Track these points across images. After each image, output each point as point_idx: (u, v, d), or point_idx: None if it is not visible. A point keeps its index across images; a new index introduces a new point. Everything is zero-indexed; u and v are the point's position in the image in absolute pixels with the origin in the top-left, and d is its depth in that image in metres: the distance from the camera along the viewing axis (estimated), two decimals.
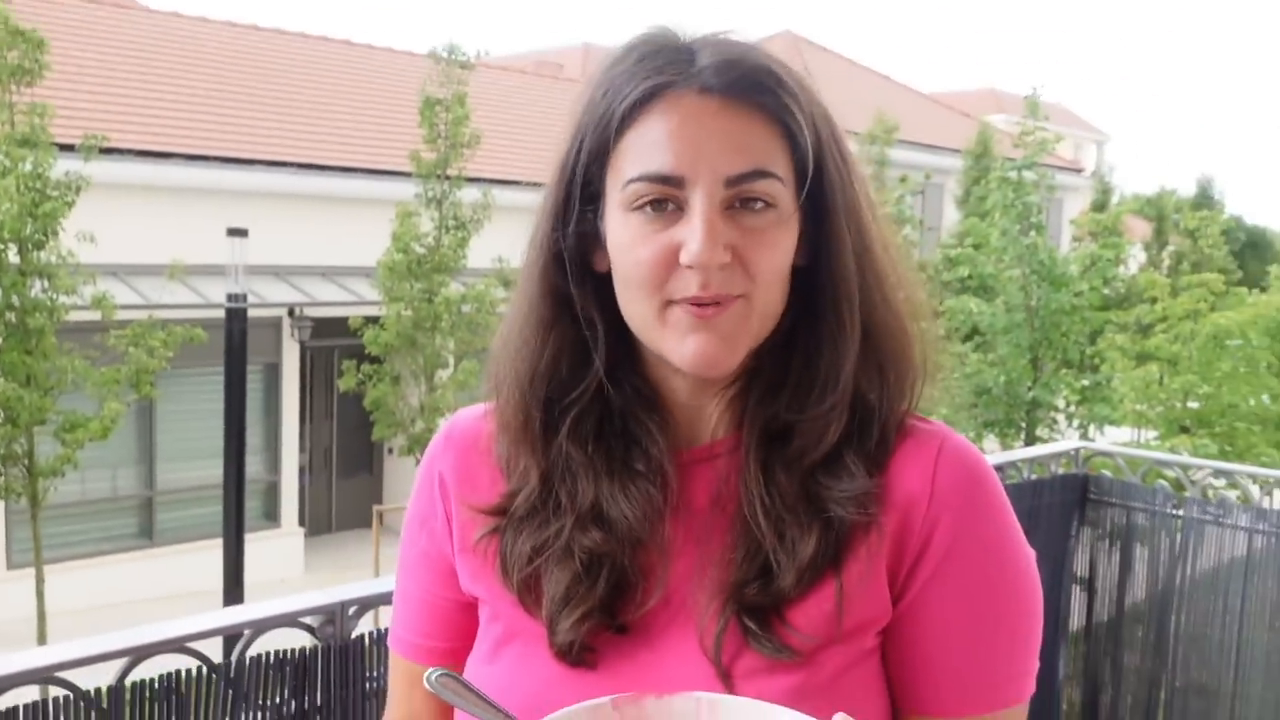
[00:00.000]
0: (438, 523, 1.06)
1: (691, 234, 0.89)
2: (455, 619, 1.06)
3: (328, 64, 16.30)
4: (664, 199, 0.91)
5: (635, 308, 0.94)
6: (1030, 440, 12.55)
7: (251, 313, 10.17)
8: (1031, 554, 0.99)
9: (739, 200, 0.91)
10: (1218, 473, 3.63)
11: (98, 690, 1.60)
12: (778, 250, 0.92)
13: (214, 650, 1.74)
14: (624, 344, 0.98)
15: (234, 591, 9.36)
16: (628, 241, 0.93)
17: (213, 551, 10.30)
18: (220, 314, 9.68)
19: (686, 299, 0.91)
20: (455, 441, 1.07)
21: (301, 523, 13.66)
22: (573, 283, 0.98)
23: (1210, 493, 3.58)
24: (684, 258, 0.89)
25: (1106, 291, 13.32)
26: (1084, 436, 12.99)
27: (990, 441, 12.85)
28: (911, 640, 0.94)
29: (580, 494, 0.97)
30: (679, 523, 0.96)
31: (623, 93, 0.93)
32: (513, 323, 1.02)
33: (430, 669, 0.79)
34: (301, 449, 13.79)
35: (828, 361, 0.96)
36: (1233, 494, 3.65)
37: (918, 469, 0.95)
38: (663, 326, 0.93)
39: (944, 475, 0.95)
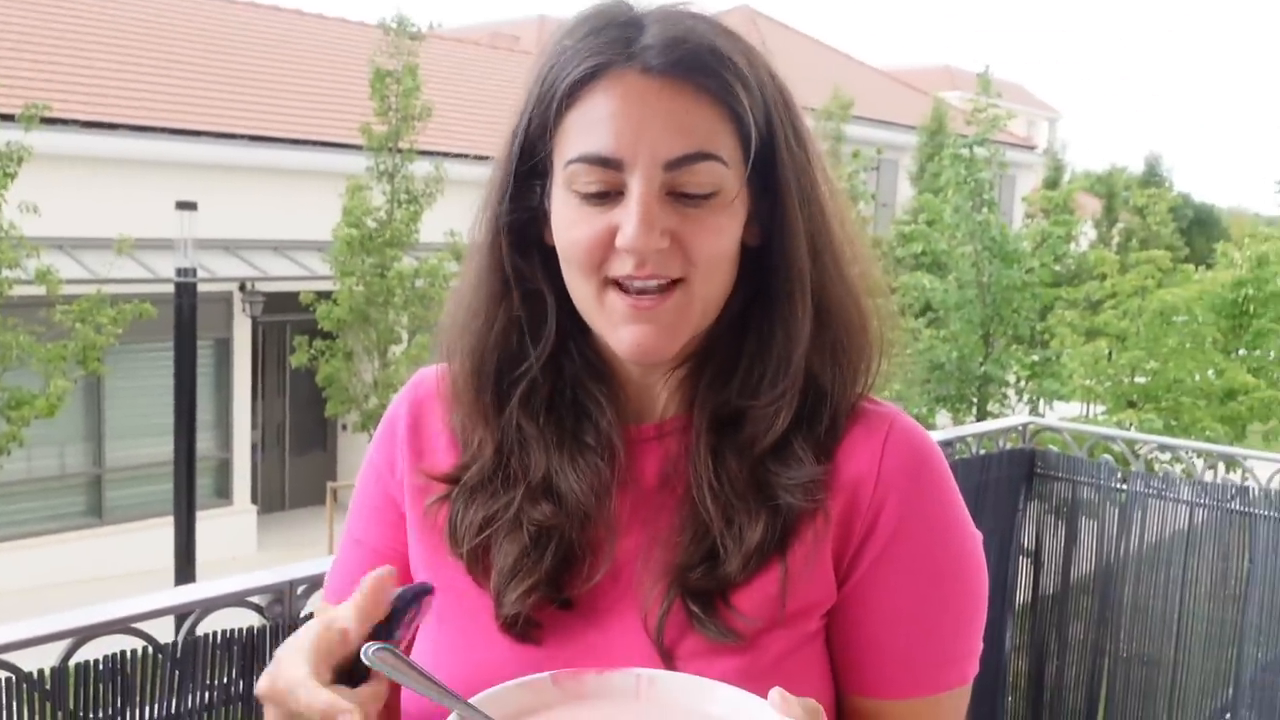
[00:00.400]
0: (393, 477, 1.05)
1: (627, 218, 0.88)
2: (399, 570, 1.05)
3: (278, 34, 16.05)
4: (604, 187, 0.90)
5: (576, 286, 0.94)
6: (982, 415, 12.69)
7: (202, 288, 10.03)
8: (978, 536, 0.99)
9: (680, 185, 0.90)
10: (1162, 447, 3.69)
11: (41, 672, 1.58)
12: (720, 236, 0.92)
13: (162, 630, 1.73)
14: (574, 316, 0.97)
15: (185, 570, 9.27)
16: (567, 222, 0.92)
17: (164, 530, 10.20)
18: (170, 289, 9.54)
19: (622, 277, 0.90)
20: (419, 402, 1.07)
21: (254, 500, 13.55)
22: (521, 257, 0.98)
23: (1155, 467, 3.65)
24: (619, 241, 0.89)
25: (1058, 268, 13.47)
26: (1034, 411, 13.16)
27: (942, 417, 12.99)
28: (857, 622, 0.95)
29: (532, 466, 0.97)
30: (626, 499, 0.96)
31: (566, 70, 0.91)
32: (462, 295, 1.02)
33: (368, 643, 0.78)
34: (254, 425, 13.66)
35: (780, 345, 0.96)
36: (1177, 468, 3.72)
37: (866, 453, 0.95)
38: (601, 309, 0.93)
39: (891, 458, 0.95)
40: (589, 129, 0.90)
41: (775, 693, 0.73)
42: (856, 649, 0.95)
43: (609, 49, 0.91)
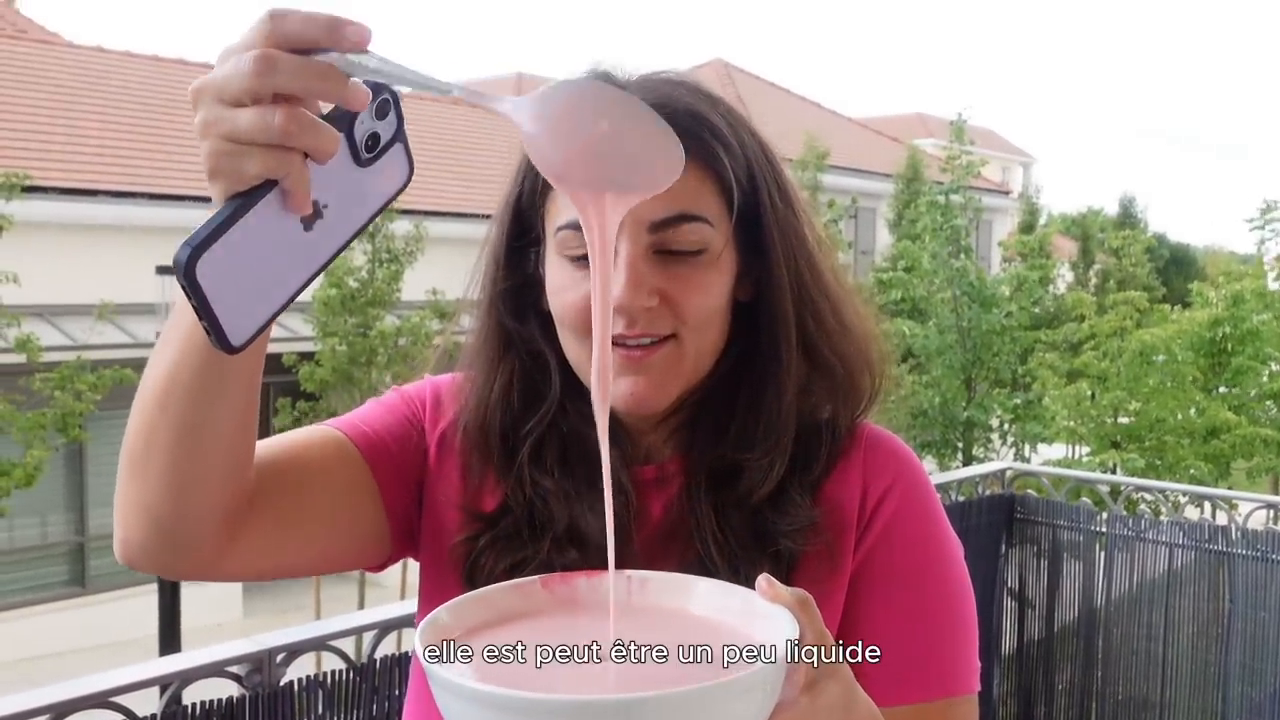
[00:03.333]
0: (421, 440, 1.05)
1: (615, 280, 0.90)
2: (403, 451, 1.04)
3: None
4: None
5: (570, 346, 0.97)
6: (968, 460, 12.72)
7: None
8: (960, 545, 1.01)
9: (666, 244, 0.93)
10: (1140, 489, 3.71)
11: None
12: (708, 293, 0.94)
13: (143, 702, 1.71)
14: (570, 372, 1.00)
15: (170, 638, 9.15)
16: (559, 286, 0.95)
17: (149, 598, 10.06)
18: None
19: (614, 337, 0.92)
20: (450, 420, 1.07)
21: None
22: (519, 322, 1.01)
23: (1143, 506, 3.67)
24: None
25: (1036, 311, 13.58)
26: (1018, 455, 13.19)
27: (928, 463, 13.02)
28: (848, 626, 0.96)
29: (556, 518, 0.99)
30: (638, 542, 0.98)
31: None
32: (466, 356, 1.05)
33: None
34: None
35: (771, 398, 0.98)
36: (1162, 510, 3.73)
37: (852, 476, 0.99)
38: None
39: (873, 472, 0.99)
40: None
41: (763, 579, 0.73)
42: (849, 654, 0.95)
43: None
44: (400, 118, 0.70)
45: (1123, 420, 12.34)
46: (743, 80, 24.33)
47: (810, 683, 0.72)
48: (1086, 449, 12.78)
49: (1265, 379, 12.92)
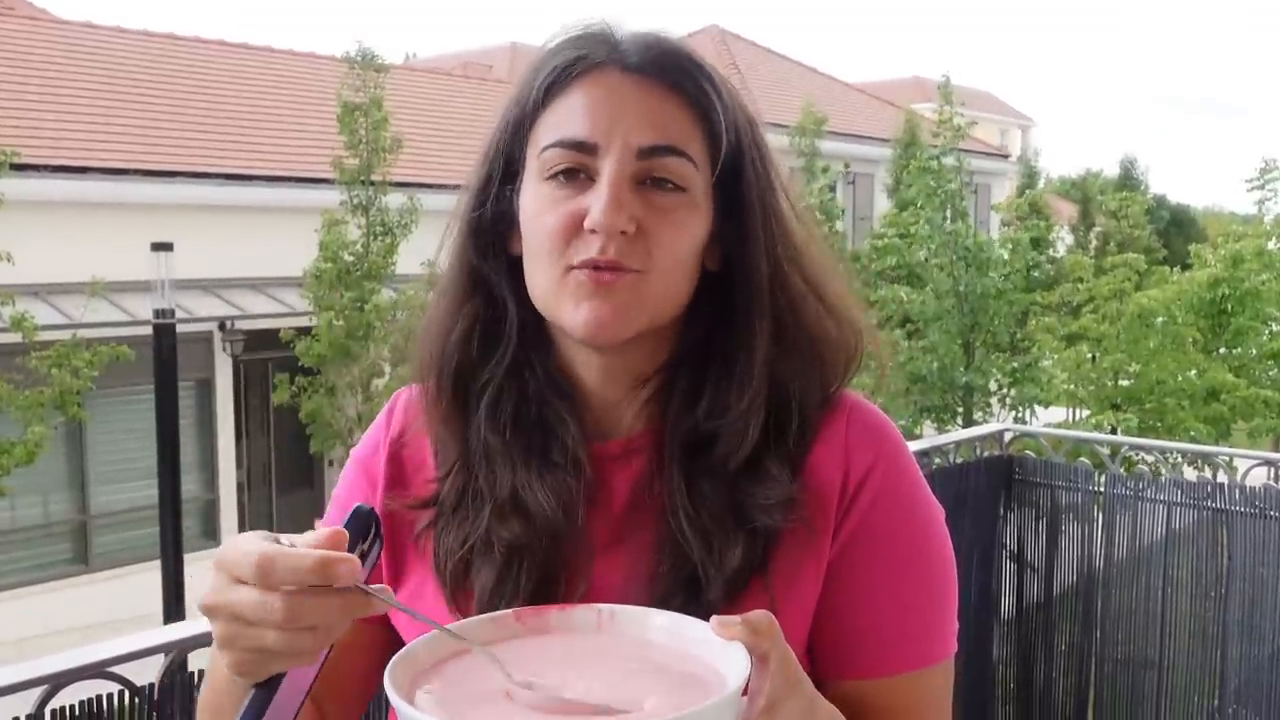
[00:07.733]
0: (374, 491, 1.05)
1: (597, 199, 0.90)
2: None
3: (248, 72, 16.05)
4: (576, 168, 0.92)
5: (538, 277, 0.95)
6: (968, 424, 12.74)
7: (181, 328, 9.99)
8: (940, 509, 1.00)
9: (649, 176, 0.92)
10: (1137, 448, 3.71)
11: (16, 719, 1.57)
12: (683, 231, 0.93)
13: (143, 673, 1.71)
14: (535, 329, 0.99)
15: (175, 614, 9.20)
16: (538, 209, 0.94)
17: (152, 574, 10.10)
18: (149, 330, 9.51)
19: (584, 262, 0.91)
20: (402, 426, 1.07)
21: None
22: (487, 260, 1.00)
23: (1141, 466, 3.67)
24: (587, 222, 0.90)
25: (1035, 274, 13.55)
26: (1018, 419, 13.20)
27: (927, 428, 13.02)
28: (833, 603, 0.95)
29: (499, 482, 0.97)
30: (597, 519, 0.96)
31: (546, 68, 0.96)
32: (434, 302, 1.04)
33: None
34: (239, 465, 13.57)
35: (743, 366, 0.96)
36: (1162, 470, 3.74)
37: (833, 449, 0.96)
38: (561, 293, 0.93)
39: (856, 447, 0.96)
40: (565, 118, 0.93)
41: (715, 620, 0.73)
42: (833, 630, 0.94)
43: (589, 47, 0.95)
44: (380, 536, 0.80)
45: (1122, 383, 12.35)
46: (739, 46, 24.18)
47: (770, 705, 0.72)
48: (1085, 412, 12.80)
49: (1265, 339, 12.92)
